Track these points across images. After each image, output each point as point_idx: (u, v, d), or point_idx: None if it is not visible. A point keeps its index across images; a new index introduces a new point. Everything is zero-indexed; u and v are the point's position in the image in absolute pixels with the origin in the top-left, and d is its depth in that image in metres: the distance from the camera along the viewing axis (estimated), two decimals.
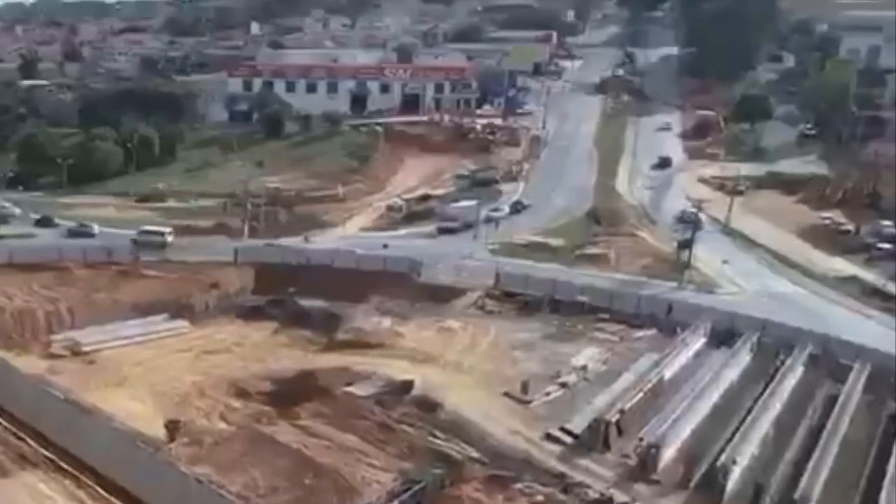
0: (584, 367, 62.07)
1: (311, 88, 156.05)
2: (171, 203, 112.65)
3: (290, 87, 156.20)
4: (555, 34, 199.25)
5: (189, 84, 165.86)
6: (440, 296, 78.54)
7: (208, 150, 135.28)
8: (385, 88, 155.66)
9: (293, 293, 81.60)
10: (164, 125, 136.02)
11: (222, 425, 56.78)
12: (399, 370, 61.61)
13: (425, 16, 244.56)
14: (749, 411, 55.10)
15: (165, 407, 59.95)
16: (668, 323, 71.54)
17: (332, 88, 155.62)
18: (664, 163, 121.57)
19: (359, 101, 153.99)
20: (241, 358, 68.82)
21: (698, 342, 66.59)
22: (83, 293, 78.57)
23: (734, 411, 55.97)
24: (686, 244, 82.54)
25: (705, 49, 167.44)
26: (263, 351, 70.37)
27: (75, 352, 69.38)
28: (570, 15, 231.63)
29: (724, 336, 68.05)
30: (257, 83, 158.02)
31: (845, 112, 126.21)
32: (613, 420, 51.40)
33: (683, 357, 63.30)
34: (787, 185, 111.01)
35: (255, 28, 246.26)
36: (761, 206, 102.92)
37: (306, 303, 79.90)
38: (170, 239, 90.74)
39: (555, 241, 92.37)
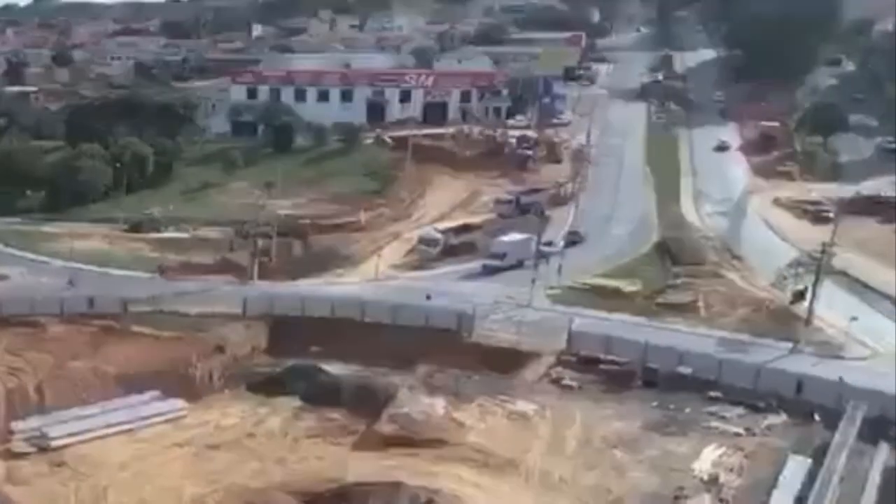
0: (715, 480, 46.69)
1: (323, 97, 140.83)
2: (168, 234, 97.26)
3: (300, 96, 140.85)
4: (583, 35, 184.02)
5: (187, 92, 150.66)
6: (501, 362, 63.15)
7: (209, 168, 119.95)
8: (405, 96, 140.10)
9: (316, 354, 66.55)
10: (160, 139, 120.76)
11: None
12: (469, 485, 46.21)
13: (439, 16, 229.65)
14: None
15: None
16: (797, 404, 56.23)
17: (347, 97, 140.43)
18: (722, 146, 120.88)
19: (376, 110, 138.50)
20: (255, 455, 53.35)
21: (851, 435, 51.10)
22: (57, 361, 63.03)
23: None
24: (802, 295, 67.08)
25: (754, 51, 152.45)
26: (283, 445, 54.86)
27: (43, 447, 53.95)
28: (596, 15, 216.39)
29: (880, 426, 52.56)
30: (263, 91, 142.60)
31: None
32: None
33: (842, 462, 47.79)
34: (882, 210, 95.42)
35: (257, 30, 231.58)
36: (860, 238, 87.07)
37: (333, 369, 64.63)
38: None
39: (627, 285, 76.82)
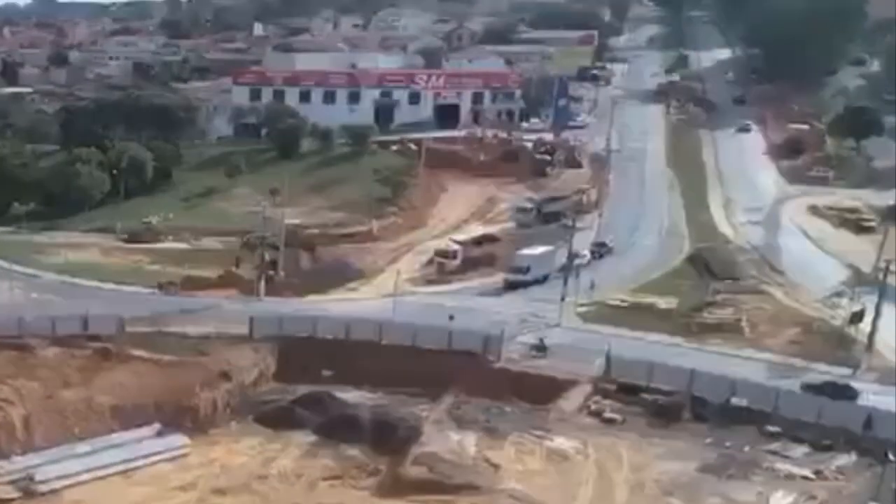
0: None
1: (329, 98, 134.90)
2: (168, 244, 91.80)
3: (305, 97, 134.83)
4: (596, 34, 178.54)
5: (187, 93, 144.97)
6: (533, 391, 57.56)
7: (210, 174, 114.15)
8: (415, 98, 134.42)
9: (328, 380, 61.13)
10: (159, 143, 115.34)
11: None
12: None
13: (444, 15, 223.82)
14: None
15: None
16: (867, 442, 50.69)
17: (354, 98, 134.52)
18: (744, 128, 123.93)
19: (385, 113, 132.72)
20: (267, 502, 47.75)
21: None
22: (47, 390, 57.21)
23: None
24: (860, 316, 61.57)
25: (774, 51, 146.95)
26: (298, 489, 49.24)
27: (30, 492, 48.41)
28: (606, 14, 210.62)
29: None
30: (266, 92, 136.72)
31: None
32: None
33: None
34: None
35: (258, 29, 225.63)
36: None
37: (349, 396, 59.20)
38: None
39: (662, 302, 71.33)
